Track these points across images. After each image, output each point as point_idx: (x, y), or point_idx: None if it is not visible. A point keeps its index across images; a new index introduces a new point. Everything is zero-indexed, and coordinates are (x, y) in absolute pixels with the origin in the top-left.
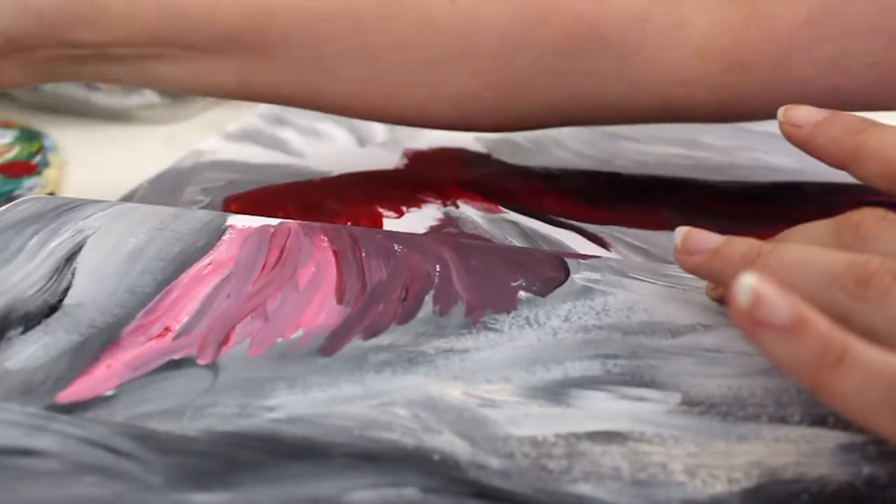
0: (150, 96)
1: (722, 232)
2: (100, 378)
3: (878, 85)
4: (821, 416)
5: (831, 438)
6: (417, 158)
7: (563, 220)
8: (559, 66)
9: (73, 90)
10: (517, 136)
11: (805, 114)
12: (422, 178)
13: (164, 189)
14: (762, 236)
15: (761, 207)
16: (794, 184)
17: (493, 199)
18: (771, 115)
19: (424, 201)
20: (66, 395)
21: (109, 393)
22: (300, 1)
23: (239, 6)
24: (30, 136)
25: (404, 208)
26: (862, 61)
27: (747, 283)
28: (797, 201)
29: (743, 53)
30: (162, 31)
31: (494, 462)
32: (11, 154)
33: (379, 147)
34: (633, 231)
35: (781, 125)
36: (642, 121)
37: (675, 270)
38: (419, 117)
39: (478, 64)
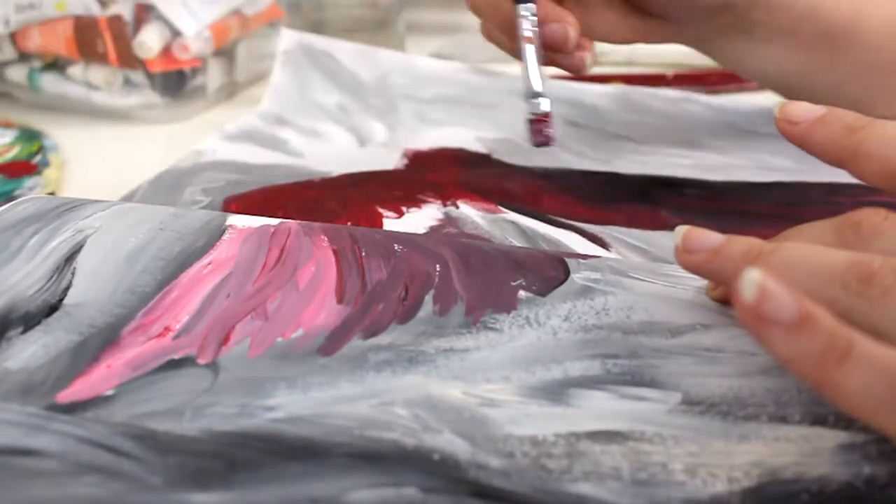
0: (150, 96)
1: (722, 232)
2: (100, 378)
3: None
4: (821, 416)
5: (831, 438)
6: (417, 158)
7: (563, 220)
8: None
9: (73, 90)
10: (517, 137)
11: (802, 110)
12: (422, 178)
13: (164, 189)
14: (762, 236)
15: (761, 207)
16: (794, 184)
17: (493, 199)
18: None
19: (424, 201)
20: (66, 395)
21: (109, 393)
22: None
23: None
24: (30, 135)
25: (404, 208)
26: None
27: (752, 278)
28: (797, 201)
29: None
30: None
31: (494, 462)
32: (11, 154)
33: (379, 147)
34: (633, 231)
35: (778, 121)
36: None
37: (675, 270)
38: None
39: None
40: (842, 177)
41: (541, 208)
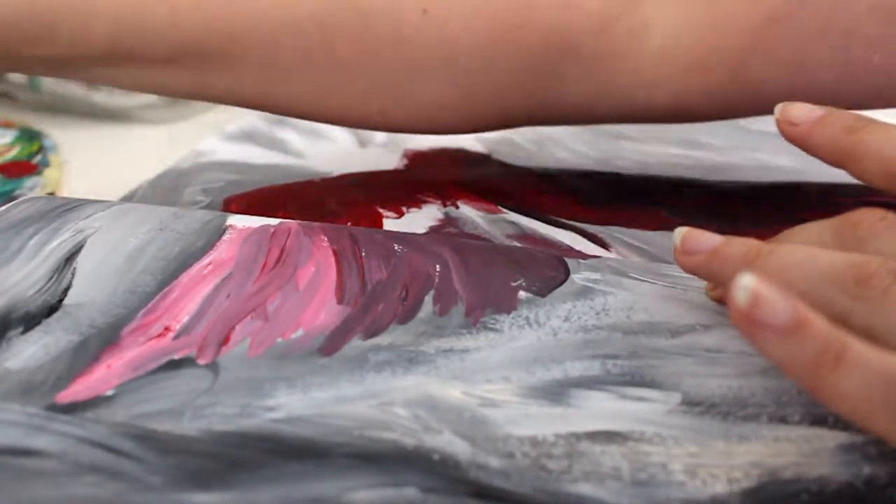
0: (150, 96)
1: (722, 232)
2: (100, 378)
3: (833, 86)
4: (821, 416)
5: (831, 438)
6: (417, 159)
7: (563, 220)
8: (529, 75)
9: (73, 90)
10: (517, 137)
11: (802, 111)
12: (422, 178)
13: (164, 189)
14: (762, 236)
15: (761, 207)
16: (794, 184)
17: (493, 199)
18: (729, 116)
19: (424, 201)
20: (66, 395)
21: (109, 393)
22: (264, 11)
23: (199, 17)
24: (30, 135)
25: (404, 208)
26: (817, 63)
27: (746, 284)
28: (797, 201)
29: (704, 54)
30: (115, 45)
31: (494, 462)
32: (11, 154)
33: (379, 147)
34: (632, 231)
35: (778, 123)
36: (602, 121)
37: (675, 270)
38: (381, 123)
39: (448, 75)
40: (842, 177)
41: (541, 208)
